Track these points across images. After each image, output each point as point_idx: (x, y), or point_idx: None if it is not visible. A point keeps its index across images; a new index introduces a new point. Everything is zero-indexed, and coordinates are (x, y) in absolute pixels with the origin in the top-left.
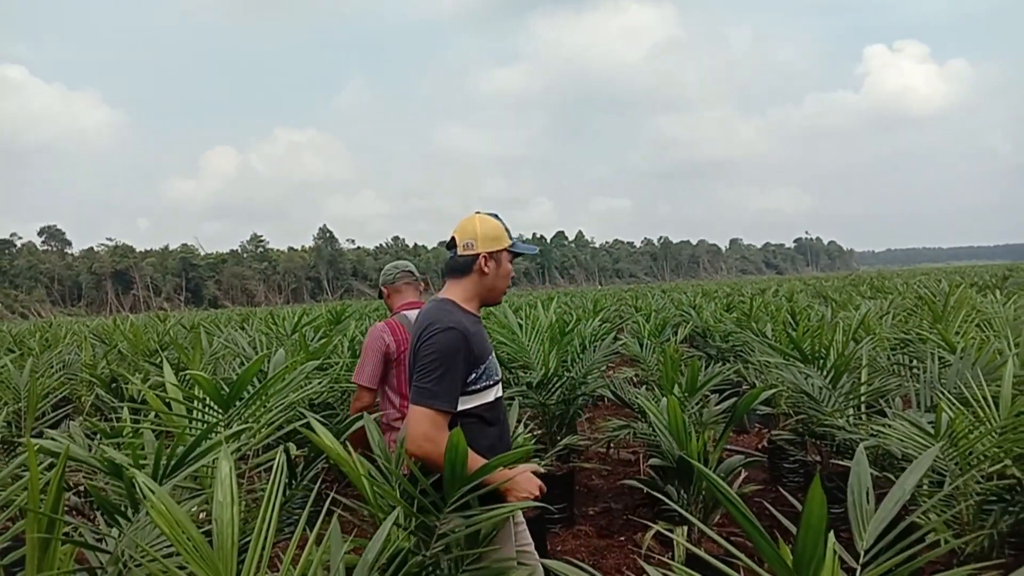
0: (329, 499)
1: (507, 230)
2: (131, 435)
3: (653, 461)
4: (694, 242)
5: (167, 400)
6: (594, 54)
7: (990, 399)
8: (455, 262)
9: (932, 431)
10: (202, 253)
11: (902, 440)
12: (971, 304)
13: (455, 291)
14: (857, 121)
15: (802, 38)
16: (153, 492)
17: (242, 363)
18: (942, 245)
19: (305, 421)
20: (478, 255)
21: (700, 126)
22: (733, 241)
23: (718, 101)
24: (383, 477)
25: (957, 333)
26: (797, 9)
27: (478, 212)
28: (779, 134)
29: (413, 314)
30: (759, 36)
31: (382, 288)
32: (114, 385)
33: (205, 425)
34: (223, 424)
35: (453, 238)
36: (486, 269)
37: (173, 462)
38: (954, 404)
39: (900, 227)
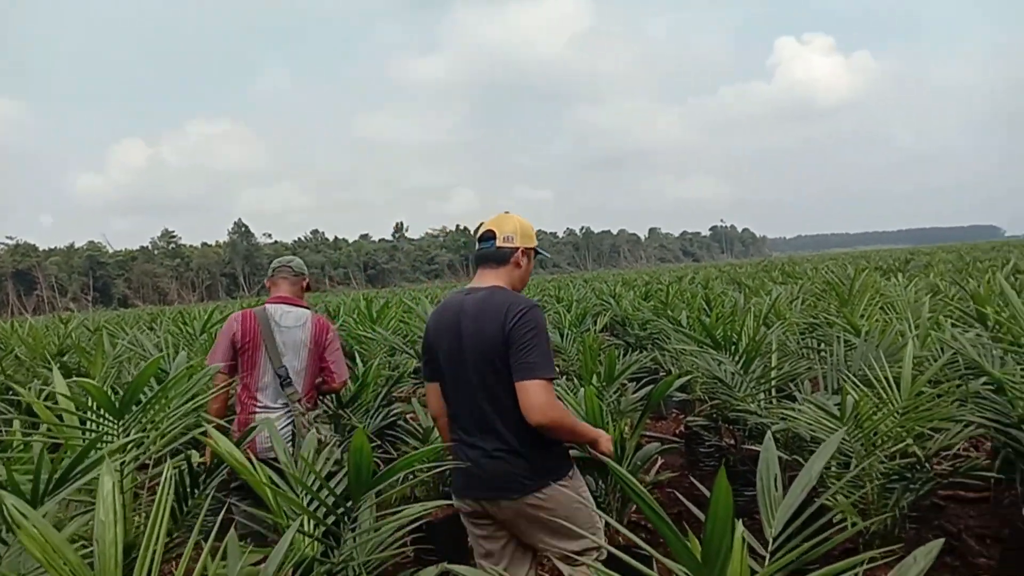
0: (225, 507)
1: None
2: (21, 449)
3: (572, 452)
4: (615, 232)
5: (60, 410)
6: (515, 44)
7: (892, 380)
8: (497, 253)
9: (838, 414)
10: (110, 251)
11: (810, 424)
12: (875, 288)
13: (500, 278)
14: (769, 110)
15: (717, 30)
16: (26, 516)
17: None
18: (849, 231)
19: (203, 429)
20: (517, 249)
21: (619, 116)
22: (652, 230)
23: (636, 92)
24: (287, 484)
25: (862, 316)
26: (713, 1)
27: (507, 212)
28: (695, 124)
29: (274, 308)
30: (675, 28)
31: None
32: (10, 393)
33: (96, 435)
34: (118, 433)
35: (491, 231)
36: (520, 263)
37: (57, 476)
38: (858, 386)
39: (810, 214)
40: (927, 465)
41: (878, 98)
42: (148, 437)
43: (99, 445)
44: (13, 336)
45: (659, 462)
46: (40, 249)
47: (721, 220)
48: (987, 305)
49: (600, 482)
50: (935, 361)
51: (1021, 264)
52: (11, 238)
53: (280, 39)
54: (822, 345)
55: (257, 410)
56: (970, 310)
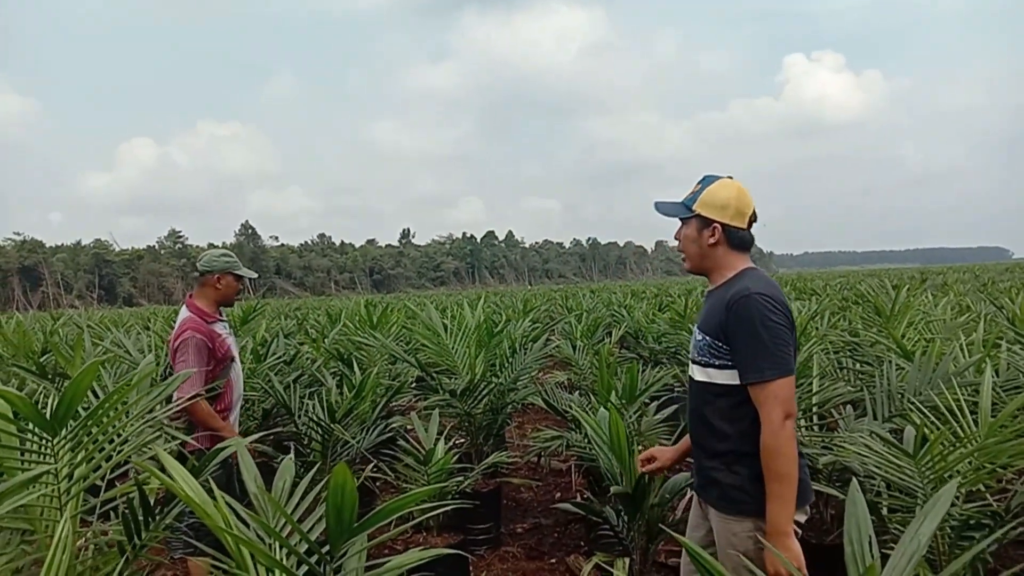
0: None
1: None
2: None
3: (593, 485)
4: (621, 243)
5: None
6: (524, 54)
7: (967, 411)
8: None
9: (906, 448)
10: (117, 249)
11: (867, 457)
12: (920, 306)
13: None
14: (778, 127)
15: (727, 45)
16: None
17: (129, 369)
18: (856, 249)
19: (151, 454)
20: None
21: (628, 129)
22: (659, 243)
23: (646, 105)
24: (263, 527)
25: (903, 336)
26: (723, 17)
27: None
28: (704, 138)
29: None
30: (686, 42)
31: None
32: None
33: (38, 456)
34: (52, 454)
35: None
36: None
37: None
38: (926, 416)
39: (817, 231)
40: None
41: (887, 117)
42: (92, 455)
43: (30, 467)
44: None
45: (688, 495)
46: (47, 246)
47: None
48: None
49: (622, 516)
50: (1004, 388)
51: None
52: (19, 234)
53: (291, 44)
54: (858, 366)
55: None
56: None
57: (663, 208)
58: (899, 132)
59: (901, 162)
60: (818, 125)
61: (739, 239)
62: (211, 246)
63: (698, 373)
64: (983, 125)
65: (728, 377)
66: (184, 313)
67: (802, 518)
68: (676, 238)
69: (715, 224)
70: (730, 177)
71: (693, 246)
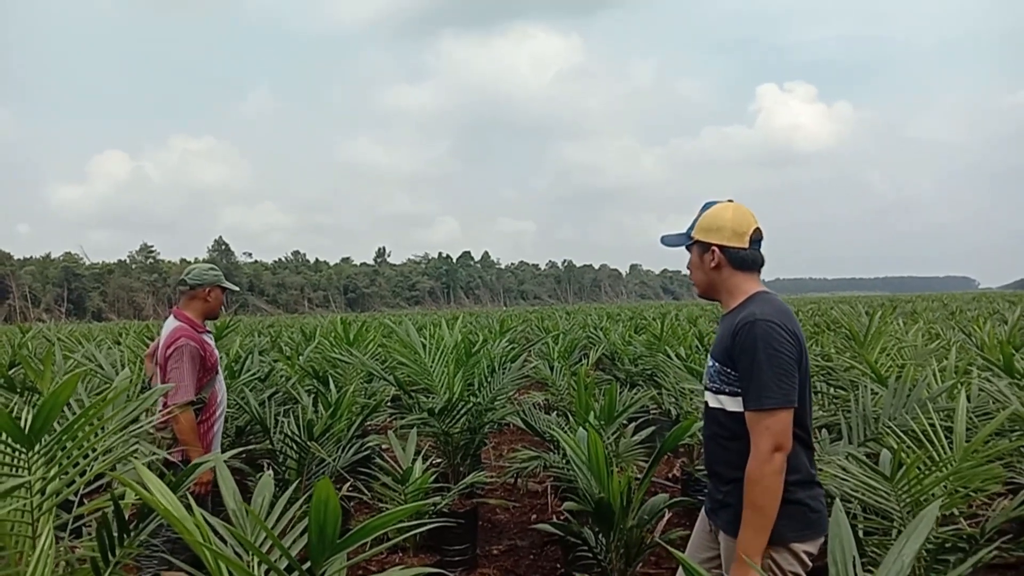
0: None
1: None
2: None
3: (568, 504)
4: (596, 266)
5: None
6: (501, 78)
7: (942, 436)
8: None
9: (883, 471)
10: (87, 263)
11: (844, 479)
12: (892, 332)
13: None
14: (750, 155)
15: (702, 74)
16: None
17: (101, 383)
18: (827, 276)
19: (130, 468)
20: None
21: (602, 153)
22: (633, 266)
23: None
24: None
25: (876, 361)
26: (699, 46)
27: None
28: (677, 164)
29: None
30: (661, 70)
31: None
32: None
33: (11, 469)
34: (28, 467)
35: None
36: None
37: None
38: (903, 439)
39: (788, 258)
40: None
41: (857, 147)
42: (66, 470)
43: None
44: None
45: (666, 516)
46: (15, 258)
47: None
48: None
49: (600, 537)
50: (976, 414)
51: (1007, 315)
52: None
53: (266, 61)
54: (832, 390)
55: None
56: (996, 359)
57: (668, 240)
58: (868, 162)
59: (870, 191)
60: (789, 154)
61: (740, 259)
62: (183, 261)
63: (711, 400)
64: (951, 157)
65: (738, 404)
66: (173, 323)
67: (814, 549)
68: (688, 268)
69: (713, 247)
70: (730, 200)
71: (698, 272)
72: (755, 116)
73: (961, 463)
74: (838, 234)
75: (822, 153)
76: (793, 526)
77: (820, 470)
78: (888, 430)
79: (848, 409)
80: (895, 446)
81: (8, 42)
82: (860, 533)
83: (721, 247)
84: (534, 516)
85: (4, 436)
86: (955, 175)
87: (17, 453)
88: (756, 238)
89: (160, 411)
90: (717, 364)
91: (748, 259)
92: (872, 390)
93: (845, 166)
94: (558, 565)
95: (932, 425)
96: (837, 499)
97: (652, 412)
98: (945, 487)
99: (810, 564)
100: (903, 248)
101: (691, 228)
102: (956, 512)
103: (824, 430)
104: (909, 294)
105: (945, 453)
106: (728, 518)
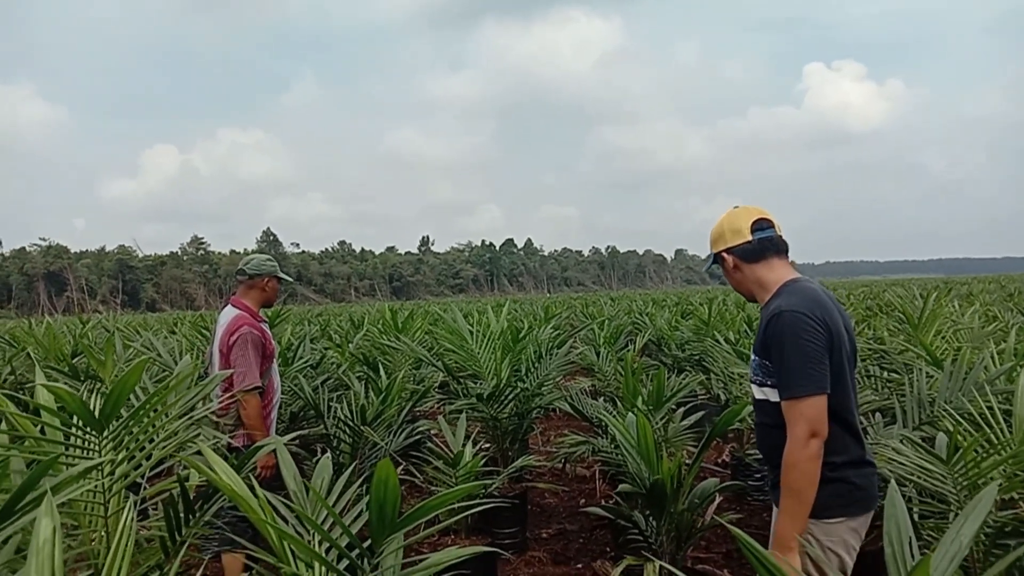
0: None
1: None
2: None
3: (622, 487)
4: (640, 252)
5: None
6: (542, 64)
7: (1000, 419)
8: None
9: (939, 454)
10: (140, 255)
11: (899, 462)
12: (949, 314)
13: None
14: (799, 135)
15: (746, 53)
16: None
17: (160, 370)
18: (879, 259)
19: (196, 450)
20: None
21: (646, 137)
22: (679, 251)
23: (664, 113)
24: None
25: (932, 344)
26: (742, 26)
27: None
28: (723, 146)
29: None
30: (705, 50)
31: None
32: (22, 393)
33: (81, 451)
34: (99, 450)
35: (769, 219)
36: None
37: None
38: (959, 422)
39: (838, 240)
40: None
41: (910, 126)
42: (133, 454)
43: (73, 463)
44: (29, 336)
45: (717, 500)
46: (72, 251)
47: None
48: None
49: (651, 520)
50: None
51: None
52: (44, 239)
53: (310, 52)
54: (886, 374)
55: None
56: None
57: (707, 270)
58: (922, 141)
59: (924, 171)
60: (839, 134)
61: (749, 252)
62: (233, 252)
63: (756, 392)
64: (1008, 134)
65: (778, 395)
66: (232, 311)
67: (859, 527)
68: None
69: (722, 253)
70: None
71: (731, 282)
72: (802, 96)
73: (1021, 446)
74: (891, 215)
75: (873, 132)
76: (836, 503)
77: (873, 453)
78: (944, 413)
79: (902, 393)
80: (951, 429)
81: (63, 43)
82: (915, 516)
83: (728, 250)
84: (583, 500)
85: (77, 420)
86: (1013, 152)
87: (88, 437)
88: (759, 227)
89: (220, 397)
90: (757, 358)
91: (756, 248)
92: (927, 373)
93: (898, 145)
94: (607, 549)
95: (990, 408)
96: (892, 480)
97: (700, 397)
98: (1004, 471)
99: (855, 545)
100: (958, 229)
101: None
102: (1016, 496)
103: (878, 414)
104: (965, 276)
105: (1004, 436)
106: (779, 496)
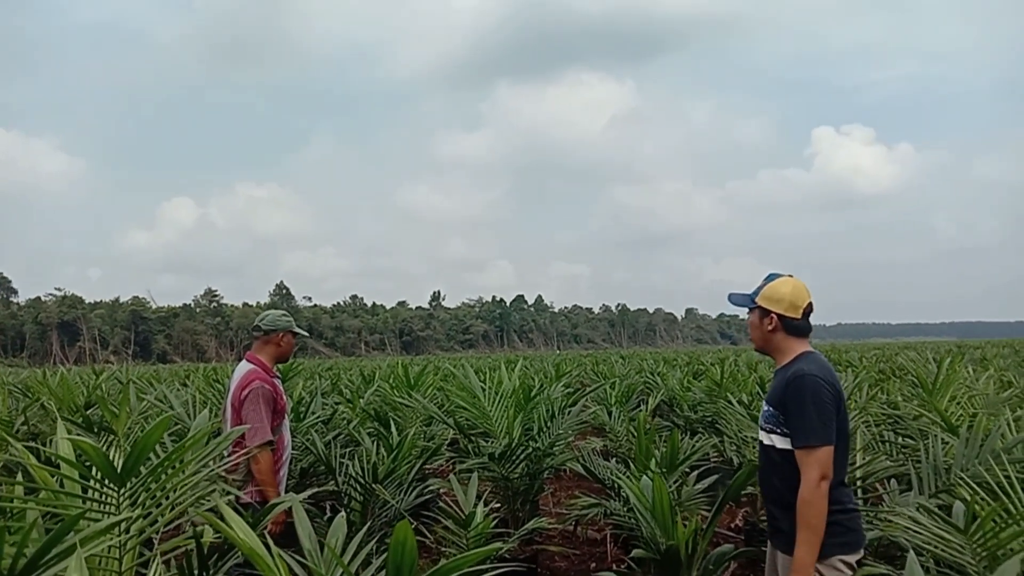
0: None
1: None
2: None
3: (636, 552)
4: (651, 310)
5: (61, 474)
6: (556, 124)
7: (1018, 488)
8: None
9: (957, 523)
10: (153, 306)
11: (916, 531)
12: (963, 379)
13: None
14: (809, 197)
15: (757, 116)
16: None
17: (174, 424)
18: (891, 321)
19: (212, 505)
20: None
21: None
22: (689, 310)
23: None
24: None
25: (946, 410)
26: (753, 89)
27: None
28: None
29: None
30: (716, 113)
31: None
32: (37, 441)
33: (100, 505)
34: (119, 504)
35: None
36: None
37: (21, 564)
38: (975, 491)
39: (850, 302)
40: None
41: (921, 189)
42: (153, 508)
43: (96, 517)
44: (43, 386)
45: (731, 568)
46: (86, 301)
47: None
48: None
49: None
50: None
51: None
52: (59, 289)
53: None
54: (900, 439)
55: None
56: None
57: (735, 299)
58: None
59: (935, 234)
60: (850, 196)
61: (794, 327)
62: (246, 305)
63: (764, 438)
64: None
65: (785, 443)
66: (246, 366)
67: (853, 561)
68: (747, 322)
69: (772, 314)
70: (790, 275)
71: (756, 331)
72: (812, 159)
73: None
74: (902, 278)
75: (884, 195)
76: (834, 542)
77: (888, 521)
78: (960, 481)
79: (918, 459)
80: (968, 498)
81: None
82: None
83: (780, 315)
84: (593, 564)
85: (96, 474)
86: None
87: (107, 492)
88: (808, 311)
89: (231, 452)
90: (771, 408)
91: (801, 328)
92: (943, 440)
93: (908, 208)
94: None
95: (1007, 477)
96: (911, 551)
97: (713, 460)
98: (1023, 542)
99: (855, 569)
100: (971, 292)
101: (755, 294)
102: None
103: (893, 480)
104: (978, 339)
105: (1022, 506)
106: (782, 539)
